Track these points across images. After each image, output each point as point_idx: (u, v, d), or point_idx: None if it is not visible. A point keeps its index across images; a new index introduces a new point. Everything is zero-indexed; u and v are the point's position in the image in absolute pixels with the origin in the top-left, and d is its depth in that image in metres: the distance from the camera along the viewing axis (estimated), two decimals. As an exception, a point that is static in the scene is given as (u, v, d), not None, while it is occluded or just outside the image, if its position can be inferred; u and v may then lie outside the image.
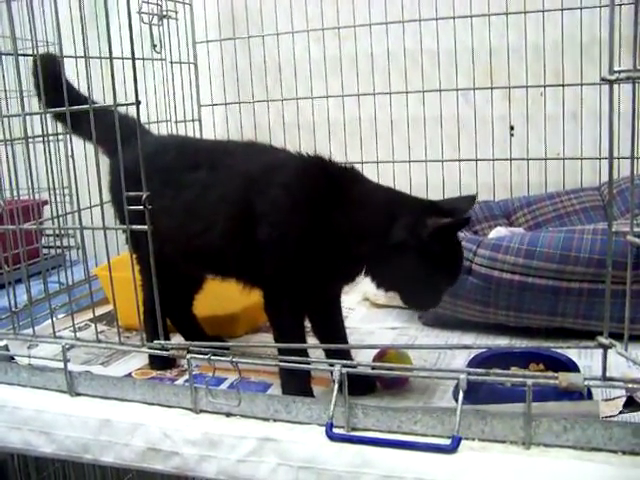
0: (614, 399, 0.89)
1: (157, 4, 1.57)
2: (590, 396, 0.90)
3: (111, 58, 0.98)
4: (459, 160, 1.61)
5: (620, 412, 0.86)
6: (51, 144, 1.44)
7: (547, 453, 0.78)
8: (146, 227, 0.93)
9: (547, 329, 1.12)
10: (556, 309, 1.09)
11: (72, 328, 1.10)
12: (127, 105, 0.94)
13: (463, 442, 0.80)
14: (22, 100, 1.04)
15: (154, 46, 1.62)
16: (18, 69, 1.03)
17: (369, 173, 0.98)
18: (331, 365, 0.88)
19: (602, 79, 0.70)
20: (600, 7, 1.43)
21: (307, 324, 1.03)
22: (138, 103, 0.93)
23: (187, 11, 1.75)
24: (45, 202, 1.58)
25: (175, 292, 1.17)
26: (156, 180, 1.00)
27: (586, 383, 0.79)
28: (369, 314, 1.36)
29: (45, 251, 1.68)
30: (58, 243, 1.68)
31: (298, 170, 0.99)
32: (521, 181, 1.62)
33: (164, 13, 1.65)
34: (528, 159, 1.60)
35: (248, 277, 1.03)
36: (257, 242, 0.95)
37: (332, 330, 1.03)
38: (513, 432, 0.80)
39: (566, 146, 1.59)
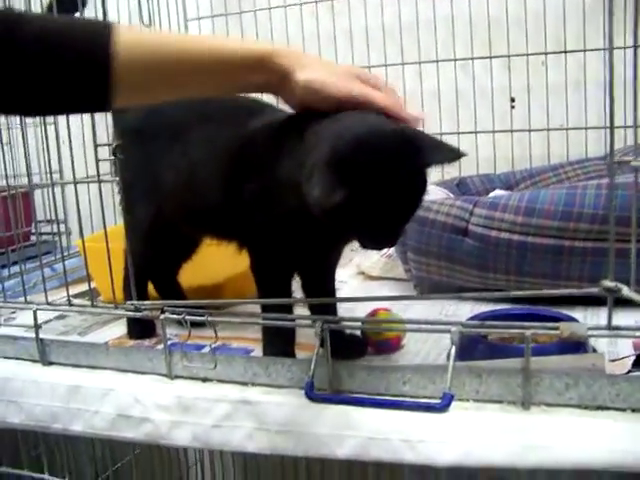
0: (622, 359, 0.82)
1: (146, -20, 1.52)
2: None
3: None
4: (458, 133, 1.54)
5: (628, 372, 0.79)
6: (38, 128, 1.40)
7: (548, 412, 0.71)
8: (117, 179, 0.89)
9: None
10: (559, 271, 1.01)
11: (52, 302, 1.05)
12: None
13: (456, 403, 0.73)
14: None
15: (147, 26, 1.57)
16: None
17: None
18: (313, 322, 0.81)
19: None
20: (603, -30, 1.37)
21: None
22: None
23: (178, -13, 1.70)
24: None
25: (166, 256, 1.12)
26: (165, 135, 0.96)
27: (590, 333, 0.72)
28: (362, 286, 1.29)
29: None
30: (48, 229, 1.63)
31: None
32: (523, 153, 1.56)
33: (154, -10, 1.60)
34: (530, 130, 1.53)
35: (240, 237, 0.95)
36: (246, 198, 0.88)
37: (320, 291, 0.96)
38: (511, 391, 0.73)
39: (570, 116, 1.52)
